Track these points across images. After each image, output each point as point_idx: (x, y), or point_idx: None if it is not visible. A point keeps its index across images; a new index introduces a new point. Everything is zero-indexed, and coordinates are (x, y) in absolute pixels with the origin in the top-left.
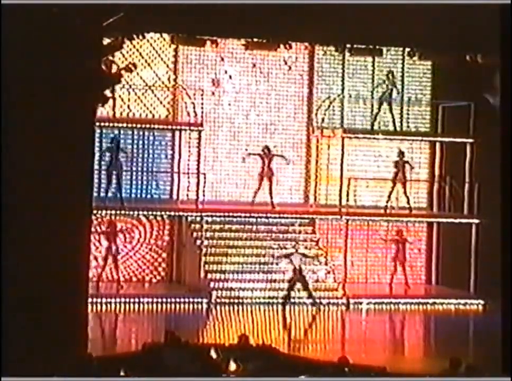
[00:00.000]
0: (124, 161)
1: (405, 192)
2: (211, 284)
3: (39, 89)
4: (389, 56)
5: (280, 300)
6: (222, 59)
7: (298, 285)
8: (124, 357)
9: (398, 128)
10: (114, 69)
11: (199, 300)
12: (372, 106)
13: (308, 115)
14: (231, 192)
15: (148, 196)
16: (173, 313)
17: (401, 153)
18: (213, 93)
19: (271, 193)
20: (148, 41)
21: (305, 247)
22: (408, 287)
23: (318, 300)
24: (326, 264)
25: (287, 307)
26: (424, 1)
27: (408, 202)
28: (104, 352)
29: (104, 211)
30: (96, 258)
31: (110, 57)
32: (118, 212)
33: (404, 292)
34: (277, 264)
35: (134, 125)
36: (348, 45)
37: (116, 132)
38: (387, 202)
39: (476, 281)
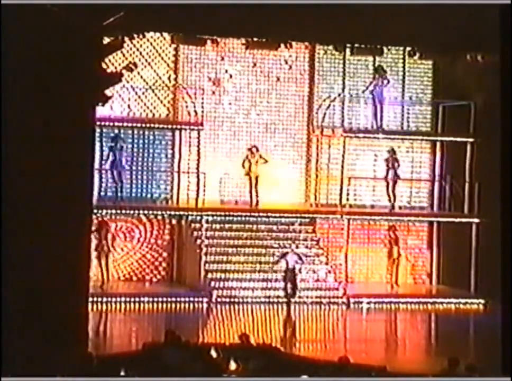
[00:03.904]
0: (124, 160)
1: (393, 190)
2: (212, 284)
3: (39, 88)
4: (390, 55)
5: (281, 300)
6: (222, 58)
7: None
8: (124, 357)
9: (397, 128)
10: (114, 68)
11: (200, 299)
12: (374, 105)
13: (308, 114)
14: (231, 191)
15: (149, 195)
16: (174, 312)
17: (392, 151)
18: (213, 93)
19: (252, 191)
20: (148, 40)
21: (306, 247)
22: (397, 286)
23: (294, 300)
24: (327, 263)
25: (286, 307)
26: (424, 1)
27: (390, 201)
28: (105, 352)
29: (104, 211)
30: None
31: (110, 57)
32: (118, 211)
33: (396, 290)
34: (277, 263)
35: (134, 124)
36: (348, 45)
37: (116, 131)
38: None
39: (476, 280)
